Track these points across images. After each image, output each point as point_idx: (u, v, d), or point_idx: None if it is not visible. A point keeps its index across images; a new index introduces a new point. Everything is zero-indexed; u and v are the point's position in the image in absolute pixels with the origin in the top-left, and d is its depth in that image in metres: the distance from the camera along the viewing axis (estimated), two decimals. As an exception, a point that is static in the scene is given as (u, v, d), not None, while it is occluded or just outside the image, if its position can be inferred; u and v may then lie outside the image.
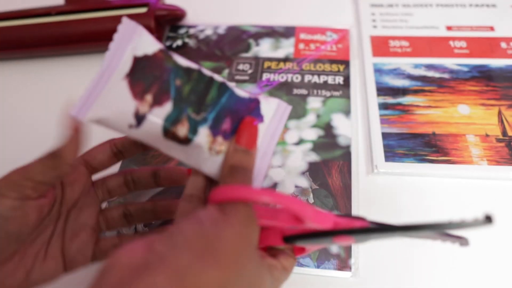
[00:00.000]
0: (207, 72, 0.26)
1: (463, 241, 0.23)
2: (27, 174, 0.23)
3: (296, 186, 0.37)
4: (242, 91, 0.27)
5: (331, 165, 0.39)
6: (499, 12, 0.50)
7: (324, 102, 0.43)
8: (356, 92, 0.45)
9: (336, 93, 0.44)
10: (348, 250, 0.34)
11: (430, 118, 0.41)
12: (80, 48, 0.49)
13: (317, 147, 0.40)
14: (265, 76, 0.46)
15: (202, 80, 0.26)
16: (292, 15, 0.53)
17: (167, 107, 0.24)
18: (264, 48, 0.48)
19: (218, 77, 0.27)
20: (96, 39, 0.47)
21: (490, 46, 0.47)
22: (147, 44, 0.25)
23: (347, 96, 0.43)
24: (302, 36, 0.49)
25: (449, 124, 0.40)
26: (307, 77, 0.45)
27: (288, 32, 0.50)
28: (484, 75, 0.44)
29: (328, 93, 0.44)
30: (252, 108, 0.27)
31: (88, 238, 0.28)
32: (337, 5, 0.53)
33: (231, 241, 0.20)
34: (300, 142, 0.40)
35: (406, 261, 0.34)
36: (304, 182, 0.38)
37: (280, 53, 0.48)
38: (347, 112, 0.42)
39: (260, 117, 0.27)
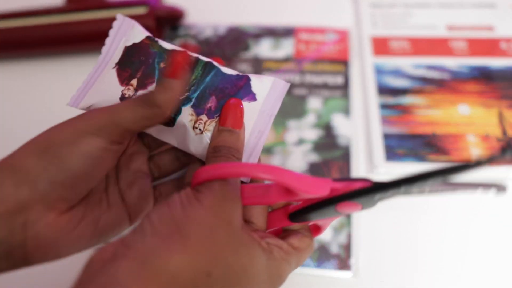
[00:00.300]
0: (192, 54, 0.26)
1: (499, 187, 0.20)
2: (116, 120, 0.23)
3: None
4: (231, 70, 0.27)
5: (331, 165, 0.39)
6: (499, 12, 0.50)
7: (324, 102, 0.43)
8: (356, 92, 0.45)
9: (336, 93, 0.44)
10: (348, 250, 0.34)
11: (430, 118, 0.41)
12: (80, 47, 0.49)
13: (317, 147, 0.40)
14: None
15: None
16: (292, 15, 0.53)
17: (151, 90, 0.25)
18: (264, 48, 0.48)
19: (204, 58, 0.27)
20: (96, 38, 0.47)
21: (490, 46, 0.47)
22: (137, 34, 0.27)
23: (347, 96, 0.43)
24: (302, 36, 0.49)
25: (449, 124, 0.40)
26: (307, 77, 0.45)
27: (288, 32, 0.50)
28: (484, 75, 0.44)
29: (328, 93, 0.44)
30: (240, 85, 0.26)
31: (145, 185, 0.27)
32: (337, 5, 0.53)
33: (202, 221, 0.19)
34: (300, 142, 0.40)
35: (406, 261, 0.34)
36: (304, 182, 0.38)
37: (280, 53, 0.48)
38: (347, 112, 0.42)
39: (251, 95, 0.26)
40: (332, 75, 0.45)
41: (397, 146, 0.39)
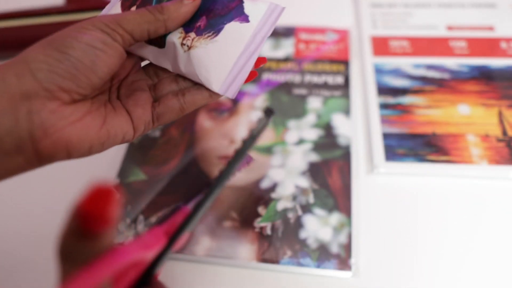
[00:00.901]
0: None
1: (267, 111, 0.24)
2: (119, 20, 0.24)
3: (296, 186, 0.37)
4: None
5: (331, 165, 0.39)
6: (499, 12, 0.50)
7: (324, 102, 0.43)
8: (356, 92, 0.45)
9: (336, 93, 0.44)
10: (348, 250, 0.34)
11: (430, 118, 0.41)
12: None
13: (317, 147, 0.40)
14: (265, 76, 0.46)
15: None
16: (292, 15, 0.53)
17: None
18: (264, 48, 0.48)
19: None
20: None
21: (490, 46, 0.47)
22: None
23: (347, 96, 0.43)
24: (302, 36, 0.49)
25: (449, 124, 0.40)
26: (307, 77, 0.45)
27: (288, 32, 0.50)
28: (484, 75, 0.44)
29: (328, 93, 0.44)
30: (232, 7, 0.27)
31: (145, 99, 0.27)
32: (337, 5, 0.53)
33: None
34: (300, 142, 0.40)
35: (406, 261, 0.34)
36: (304, 182, 0.38)
37: (280, 53, 0.48)
38: (347, 112, 0.42)
39: (243, 16, 0.27)
40: (332, 75, 0.45)
41: (397, 146, 0.39)
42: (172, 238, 0.22)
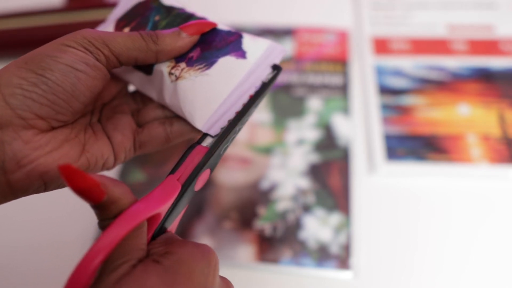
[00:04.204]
0: (190, 10, 0.26)
1: (275, 67, 0.25)
2: (106, 39, 0.21)
3: (296, 187, 0.37)
4: (227, 27, 0.26)
5: (331, 165, 0.39)
6: (499, 12, 0.50)
7: (324, 102, 0.43)
8: (356, 92, 0.45)
9: (336, 93, 0.44)
10: (348, 250, 0.34)
11: (431, 118, 0.41)
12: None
13: (317, 147, 0.40)
14: (265, 76, 0.46)
15: (181, 16, 0.26)
16: (292, 15, 0.53)
17: None
18: (264, 48, 0.48)
19: (200, 15, 0.26)
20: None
21: (490, 46, 0.47)
22: None
23: (347, 96, 0.43)
24: (302, 36, 0.49)
25: (449, 124, 0.40)
26: (307, 77, 0.45)
27: (288, 32, 0.50)
28: (484, 75, 0.44)
29: (328, 93, 0.44)
30: (230, 40, 0.25)
31: (127, 124, 0.25)
32: (337, 5, 0.53)
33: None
34: (300, 142, 0.40)
35: (406, 261, 0.34)
36: (304, 183, 0.38)
37: (280, 53, 0.48)
38: (347, 112, 0.42)
39: (240, 51, 0.24)
40: (332, 75, 0.45)
41: (397, 146, 0.39)
42: (186, 182, 0.21)
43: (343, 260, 0.33)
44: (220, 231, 0.35)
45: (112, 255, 0.18)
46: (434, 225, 0.35)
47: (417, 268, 0.33)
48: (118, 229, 0.17)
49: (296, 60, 0.47)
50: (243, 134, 0.41)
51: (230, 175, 0.38)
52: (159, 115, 0.26)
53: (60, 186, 0.22)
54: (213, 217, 0.36)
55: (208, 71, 0.24)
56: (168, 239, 0.21)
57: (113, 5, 0.48)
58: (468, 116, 0.41)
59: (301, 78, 0.45)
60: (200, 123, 0.24)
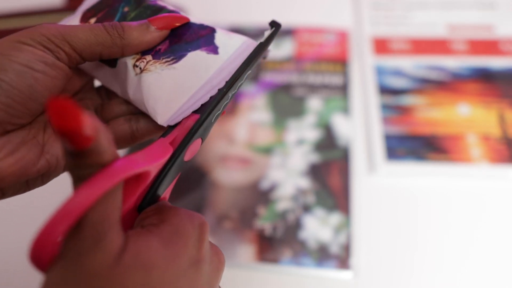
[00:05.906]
0: (161, 3, 0.25)
1: (274, 24, 0.24)
2: (66, 35, 0.20)
3: (296, 187, 0.37)
4: (200, 20, 0.25)
5: (331, 165, 0.39)
6: (499, 12, 0.50)
7: (324, 102, 0.43)
8: (356, 92, 0.45)
9: (336, 93, 0.44)
10: (348, 250, 0.34)
11: (431, 118, 0.41)
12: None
13: (317, 147, 0.40)
14: (265, 76, 0.46)
15: (151, 8, 0.25)
16: (292, 15, 0.53)
17: None
18: (264, 48, 0.48)
19: (172, 8, 0.25)
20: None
21: (490, 46, 0.47)
22: None
23: (347, 96, 0.43)
24: (302, 36, 0.49)
25: (449, 124, 0.40)
26: (307, 77, 0.45)
27: (288, 32, 0.50)
28: (484, 75, 0.44)
29: (328, 93, 0.44)
30: (202, 34, 0.24)
31: None
32: (337, 5, 0.53)
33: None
34: (300, 142, 0.40)
35: (406, 261, 0.34)
36: (304, 183, 0.38)
37: (280, 53, 0.48)
38: (347, 112, 0.42)
39: (211, 46, 0.23)
40: (332, 75, 0.45)
41: (397, 146, 0.39)
42: (179, 147, 0.20)
43: (343, 260, 0.33)
44: (220, 231, 0.35)
45: (89, 220, 0.15)
46: (434, 225, 0.35)
47: (417, 268, 0.33)
48: (99, 186, 0.15)
49: (296, 60, 0.47)
50: (243, 134, 0.41)
51: (230, 175, 0.38)
52: (124, 111, 0.24)
53: (19, 192, 0.21)
54: (213, 217, 0.36)
55: (175, 65, 0.22)
56: (160, 207, 0.20)
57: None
58: (468, 116, 0.41)
59: (301, 78, 0.45)
60: (163, 120, 0.22)
